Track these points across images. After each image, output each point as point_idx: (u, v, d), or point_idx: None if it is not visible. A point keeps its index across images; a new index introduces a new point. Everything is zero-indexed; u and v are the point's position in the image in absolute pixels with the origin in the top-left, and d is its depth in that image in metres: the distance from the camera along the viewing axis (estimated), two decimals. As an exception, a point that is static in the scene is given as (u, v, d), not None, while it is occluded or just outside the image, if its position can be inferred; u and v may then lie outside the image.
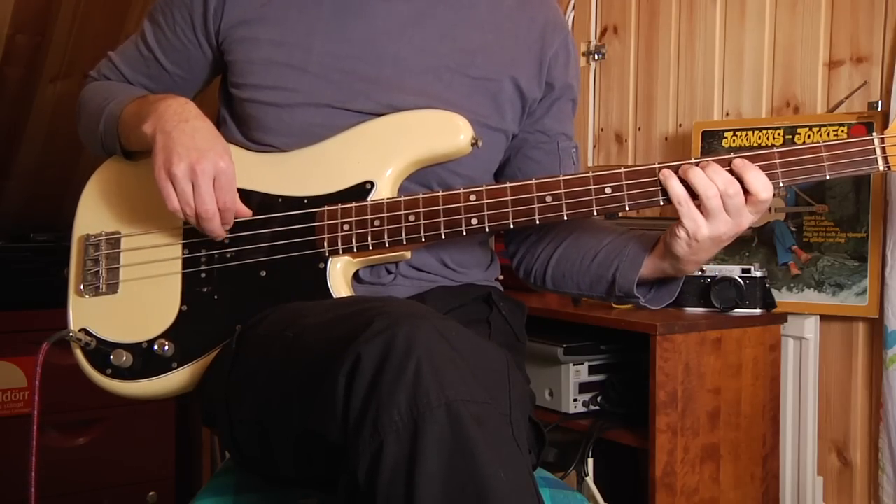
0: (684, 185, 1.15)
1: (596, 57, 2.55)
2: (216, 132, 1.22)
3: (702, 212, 1.15)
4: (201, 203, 1.17)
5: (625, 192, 1.17)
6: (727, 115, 2.23)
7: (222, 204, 1.19)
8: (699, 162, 1.16)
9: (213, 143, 1.19)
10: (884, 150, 1.13)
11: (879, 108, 1.91)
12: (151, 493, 2.72)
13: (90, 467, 2.62)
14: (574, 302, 2.07)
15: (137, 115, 1.24)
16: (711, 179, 1.14)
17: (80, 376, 1.26)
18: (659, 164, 1.17)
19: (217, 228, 1.20)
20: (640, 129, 2.45)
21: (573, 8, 2.60)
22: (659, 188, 1.17)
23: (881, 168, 1.13)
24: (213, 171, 1.17)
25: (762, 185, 1.13)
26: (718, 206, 1.14)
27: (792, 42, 2.10)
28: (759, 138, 2.08)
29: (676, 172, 1.16)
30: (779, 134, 2.04)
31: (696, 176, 1.14)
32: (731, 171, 1.14)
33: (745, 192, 1.14)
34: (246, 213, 1.23)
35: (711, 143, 2.17)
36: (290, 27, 1.26)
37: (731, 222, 1.15)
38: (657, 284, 1.28)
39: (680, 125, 2.34)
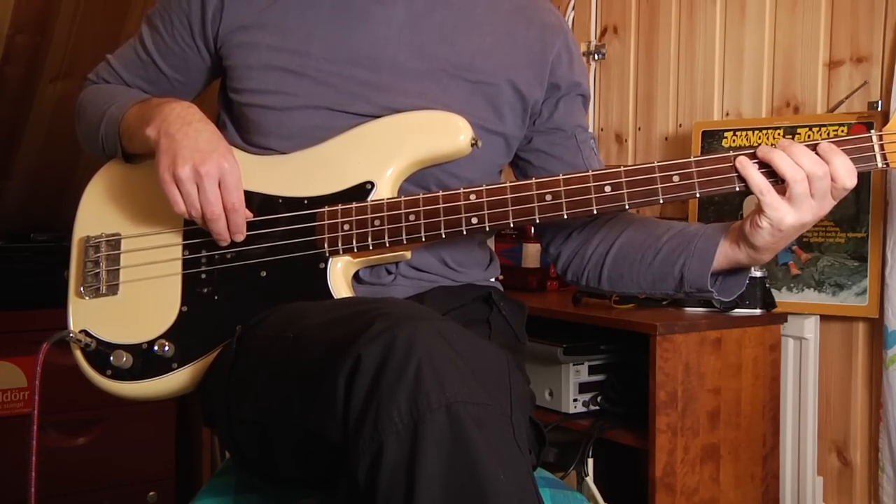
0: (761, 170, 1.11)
1: (596, 57, 2.55)
2: (219, 134, 1.22)
3: (786, 199, 1.10)
4: (207, 204, 1.17)
5: (624, 191, 1.17)
6: (727, 115, 2.23)
7: (229, 205, 1.19)
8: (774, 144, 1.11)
9: (217, 144, 1.19)
10: (882, 148, 1.12)
11: (879, 108, 1.90)
12: (151, 493, 2.72)
13: (90, 467, 2.62)
14: (574, 302, 2.07)
15: (140, 119, 1.24)
16: (798, 163, 1.09)
17: (80, 376, 1.26)
18: (658, 162, 1.17)
19: (224, 230, 1.20)
20: (640, 129, 2.45)
21: (573, 8, 2.60)
22: (658, 187, 1.16)
23: (880, 165, 1.12)
24: (217, 172, 1.17)
25: (847, 172, 1.09)
26: (805, 192, 1.09)
27: (792, 42, 2.10)
28: (759, 138, 2.08)
29: (754, 158, 1.11)
30: (779, 134, 2.04)
31: (781, 159, 1.10)
32: (816, 153, 1.10)
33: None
34: (247, 215, 1.23)
35: (711, 143, 2.17)
36: (289, 32, 1.27)
37: (815, 207, 1.10)
38: (723, 275, 1.24)
39: (680, 125, 2.34)
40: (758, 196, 1.12)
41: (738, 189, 1.15)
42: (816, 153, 1.11)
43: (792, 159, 1.10)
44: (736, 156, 1.14)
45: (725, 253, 1.20)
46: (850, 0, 1.99)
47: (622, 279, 1.30)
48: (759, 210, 1.13)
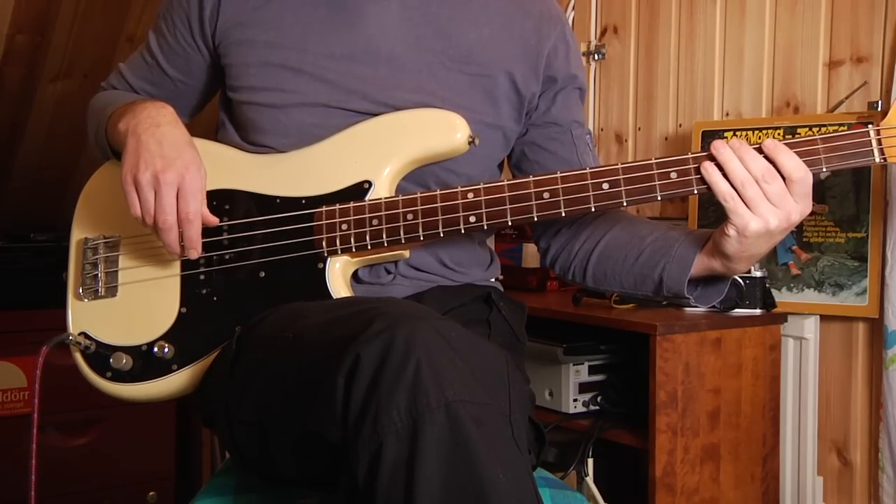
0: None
1: (596, 57, 2.55)
2: (187, 139, 1.21)
3: (746, 204, 1.11)
4: (160, 212, 1.16)
5: (622, 188, 1.17)
6: (727, 115, 2.23)
7: (184, 215, 1.16)
8: (731, 144, 1.12)
9: (181, 151, 1.18)
10: (879, 142, 1.12)
11: (879, 108, 1.90)
12: (151, 493, 2.72)
13: (90, 467, 2.62)
14: (574, 302, 2.07)
15: (119, 118, 1.25)
16: (747, 166, 1.10)
17: (80, 376, 1.26)
18: (657, 160, 1.17)
19: (174, 242, 1.17)
20: (640, 129, 2.45)
21: (573, 8, 2.60)
22: (656, 184, 1.16)
23: (877, 160, 1.12)
24: (176, 181, 1.16)
25: (794, 166, 1.10)
26: (758, 195, 1.10)
27: (792, 42, 2.10)
28: (759, 138, 2.07)
29: (714, 160, 1.12)
30: (779, 134, 2.04)
31: (732, 164, 1.11)
32: (763, 154, 1.11)
33: (782, 177, 1.10)
34: (212, 221, 1.20)
35: (712, 142, 2.16)
36: (285, 29, 1.27)
37: (778, 212, 1.10)
38: (703, 283, 1.25)
39: (680, 125, 2.34)
40: (722, 203, 1.12)
41: None
42: (763, 153, 1.11)
43: (741, 163, 1.11)
44: (701, 159, 1.14)
45: (702, 261, 1.20)
46: (850, 0, 1.99)
47: (606, 277, 1.31)
48: (726, 217, 1.13)
